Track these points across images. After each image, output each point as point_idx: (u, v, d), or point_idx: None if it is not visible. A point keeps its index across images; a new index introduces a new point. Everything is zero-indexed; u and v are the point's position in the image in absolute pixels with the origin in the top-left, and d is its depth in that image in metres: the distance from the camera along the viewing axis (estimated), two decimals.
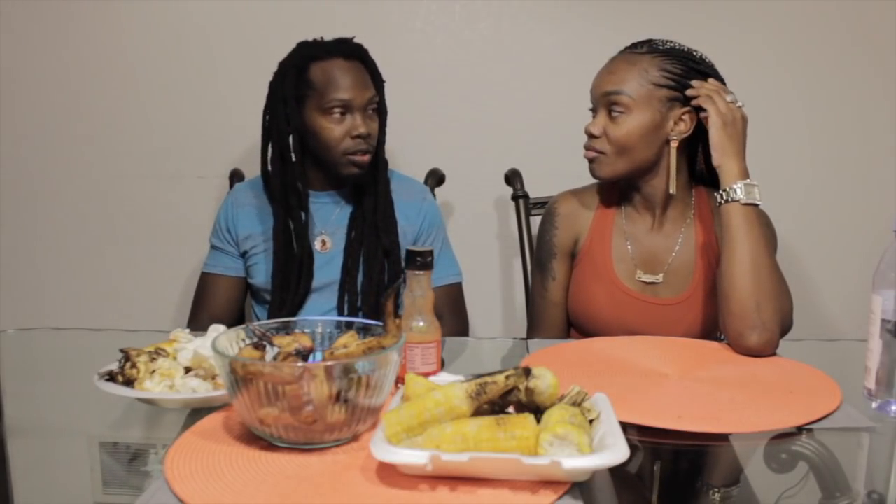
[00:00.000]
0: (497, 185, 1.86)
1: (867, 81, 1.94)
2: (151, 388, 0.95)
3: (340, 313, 1.55)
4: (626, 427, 0.84)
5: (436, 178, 1.86)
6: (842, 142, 1.97)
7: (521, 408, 0.84)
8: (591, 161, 1.36)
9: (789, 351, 1.22)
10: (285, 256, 1.54)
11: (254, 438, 0.86)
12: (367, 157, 1.53)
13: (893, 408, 0.98)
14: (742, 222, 1.23)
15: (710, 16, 1.92)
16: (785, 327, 1.25)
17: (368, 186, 1.58)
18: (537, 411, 0.82)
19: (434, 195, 1.80)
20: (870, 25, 1.92)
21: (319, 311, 1.56)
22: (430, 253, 1.03)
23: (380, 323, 0.93)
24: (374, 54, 1.60)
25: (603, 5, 1.94)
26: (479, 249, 2.00)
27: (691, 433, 0.92)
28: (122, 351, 0.99)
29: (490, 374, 0.81)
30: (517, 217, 1.81)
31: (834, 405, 0.99)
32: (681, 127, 1.32)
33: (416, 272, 1.03)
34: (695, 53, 1.34)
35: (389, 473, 0.77)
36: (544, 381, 0.82)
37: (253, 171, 1.80)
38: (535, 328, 1.49)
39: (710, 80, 1.31)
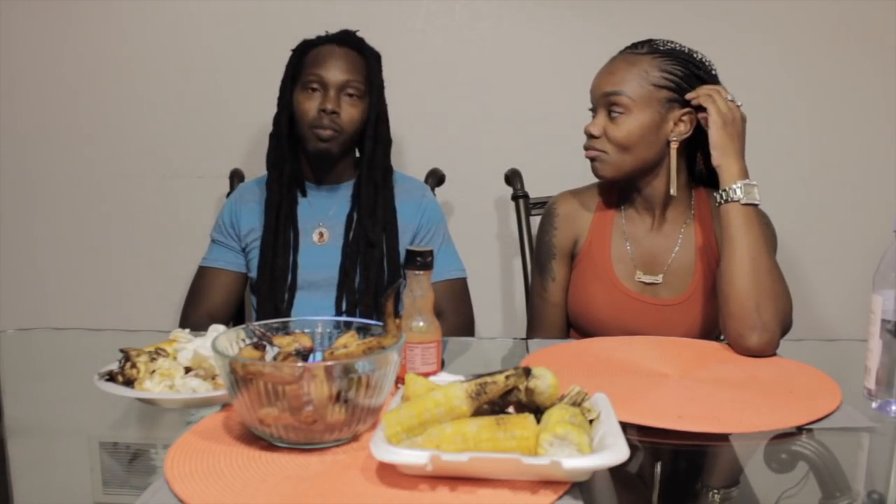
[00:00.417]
0: (497, 185, 1.86)
1: (867, 81, 1.94)
2: (151, 388, 0.95)
3: (338, 311, 1.55)
4: (626, 427, 0.84)
5: (436, 178, 1.87)
6: (842, 142, 1.97)
7: (521, 408, 0.84)
8: (592, 160, 1.36)
9: (789, 351, 1.22)
10: (275, 231, 1.56)
11: (254, 438, 0.86)
12: (328, 132, 1.53)
13: (893, 408, 0.98)
14: (742, 222, 1.23)
15: (710, 16, 1.92)
16: (785, 327, 1.25)
17: (367, 186, 1.58)
18: (537, 411, 0.82)
19: (434, 195, 1.80)
20: (870, 25, 1.92)
21: (316, 308, 1.56)
22: (430, 253, 1.03)
23: (380, 323, 0.93)
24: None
25: (603, 5, 1.94)
26: (479, 249, 2.00)
27: (691, 433, 0.92)
28: (122, 351, 0.99)
29: (490, 374, 0.81)
30: (517, 217, 1.81)
31: (834, 405, 0.99)
32: (681, 128, 1.32)
33: (416, 272, 1.03)
34: (695, 54, 1.34)
35: (389, 473, 0.77)
36: (544, 381, 0.82)
37: (253, 170, 1.80)
38: (534, 328, 1.49)
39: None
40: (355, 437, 0.86)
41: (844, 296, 1.99)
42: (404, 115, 1.88)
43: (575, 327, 1.47)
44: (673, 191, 1.34)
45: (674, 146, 1.33)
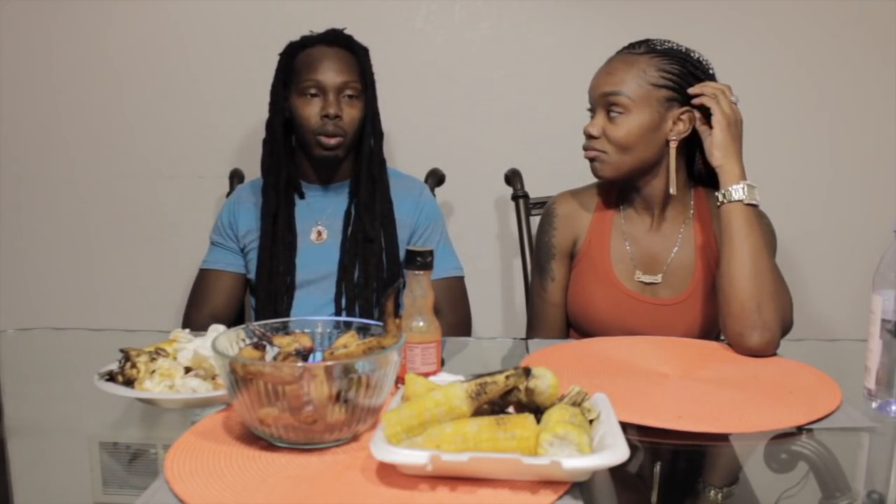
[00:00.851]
0: (497, 185, 1.86)
1: (867, 81, 1.94)
2: (151, 388, 0.95)
3: (337, 306, 1.56)
4: (626, 427, 0.84)
5: (436, 178, 1.87)
6: (842, 142, 1.97)
7: (521, 408, 0.84)
8: (592, 160, 1.36)
9: (789, 351, 1.22)
10: (273, 237, 1.56)
11: (254, 438, 0.86)
12: (334, 140, 1.54)
13: (893, 408, 0.98)
14: (743, 223, 1.23)
15: (710, 16, 1.92)
16: (785, 328, 1.25)
17: (364, 184, 1.58)
18: (537, 411, 0.82)
19: (434, 195, 1.80)
20: (870, 25, 1.92)
21: (315, 305, 1.57)
22: (430, 253, 1.03)
23: (379, 323, 0.93)
24: (374, 54, 1.61)
25: (603, 5, 1.94)
26: (479, 249, 2.00)
27: (691, 433, 0.92)
28: (122, 351, 0.99)
29: (490, 374, 0.81)
30: (517, 217, 1.81)
31: (834, 405, 0.99)
32: (679, 127, 1.32)
33: (416, 272, 1.03)
34: (692, 54, 1.34)
35: (389, 473, 0.77)
36: (544, 381, 0.82)
37: (253, 171, 1.80)
38: (534, 328, 1.49)
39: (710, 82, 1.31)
40: (355, 437, 0.86)
41: (844, 296, 1.99)
42: (404, 116, 1.88)
43: (574, 327, 1.47)
44: (672, 190, 1.34)
45: (673, 145, 1.33)
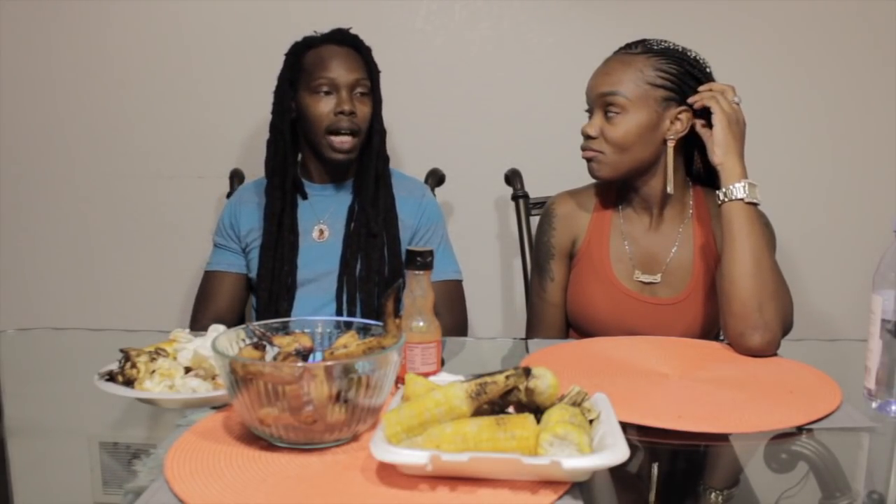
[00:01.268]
0: (497, 185, 1.86)
1: (867, 81, 1.94)
2: (151, 388, 0.95)
3: (339, 303, 1.56)
4: (626, 427, 0.84)
5: (436, 178, 1.87)
6: (842, 142, 1.97)
7: (521, 408, 0.84)
8: (589, 161, 1.36)
9: (789, 351, 1.22)
10: (276, 239, 1.56)
11: (254, 438, 0.86)
12: (348, 140, 1.54)
13: (893, 408, 0.98)
14: (744, 222, 1.23)
15: (710, 16, 1.92)
16: (786, 328, 1.25)
17: (367, 179, 1.59)
18: (537, 411, 0.82)
19: (434, 195, 1.80)
20: (870, 25, 1.92)
21: (317, 303, 1.57)
22: (431, 253, 1.04)
23: (380, 323, 0.93)
24: (375, 54, 1.61)
25: (603, 5, 1.94)
26: (479, 249, 2.00)
27: (691, 433, 0.92)
28: (122, 351, 0.99)
29: (490, 374, 0.81)
30: (517, 217, 1.81)
31: (834, 405, 0.99)
32: (677, 126, 1.32)
33: (416, 272, 1.03)
34: (689, 53, 1.34)
35: (389, 473, 0.77)
36: (544, 381, 0.82)
37: (253, 170, 1.80)
38: (533, 329, 1.49)
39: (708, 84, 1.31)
40: (355, 437, 0.86)
41: (844, 296, 1.99)
42: (405, 116, 1.88)
43: (574, 327, 1.47)
44: (670, 189, 1.34)
45: (671, 144, 1.33)
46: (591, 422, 0.83)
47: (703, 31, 1.87)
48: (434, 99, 1.97)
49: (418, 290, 1.03)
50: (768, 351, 1.20)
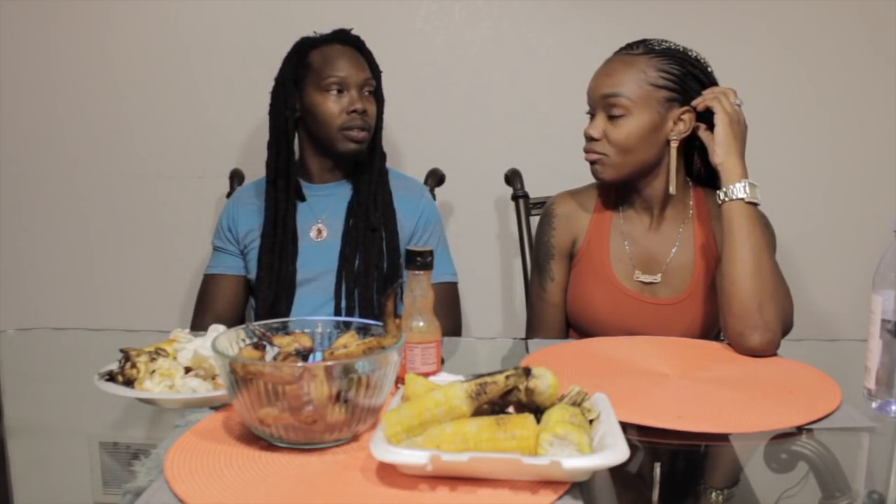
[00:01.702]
0: (497, 185, 1.86)
1: (867, 81, 1.94)
2: (151, 388, 0.95)
3: (337, 297, 1.56)
4: (626, 427, 0.84)
5: (436, 178, 1.87)
6: (842, 142, 1.97)
7: (521, 408, 0.84)
8: (593, 163, 1.35)
9: (789, 351, 1.22)
10: (275, 240, 1.56)
11: (254, 438, 0.86)
12: (363, 134, 1.56)
13: (893, 408, 0.98)
14: (745, 222, 1.23)
15: (710, 16, 1.92)
16: (786, 328, 1.25)
17: (366, 175, 1.59)
18: (537, 411, 0.82)
19: (434, 195, 1.80)
20: (870, 25, 1.92)
21: (316, 302, 1.57)
22: (430, 253, 1.03)
23: (379, 323, 0.93)
24: (375, 54, 1.62)
25: (603, 5, 1.94)
26: (479, 249, 2.00)
27: (691, 433, 0.92)
28: (122, 351, 0.99)
29: (490, 374, 0.81)
30: (517, 217, 1.81)
31: (834, 405, 0.99)
32: (680, 127, 1.32)
33: (416, 272, 1.03)
34: (690, 53, 1.34)
35: (389, 473, 0.77)
36: (544, 381, 0.82)
37: (253, 171, 1.80)
38: (533, 329, 1.49)
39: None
40: (355, 437, 0.86)
41: (844, 296, 1.99)
42: (404, 116, 1.88)
43: (574, 327, 1.47)
44: (672, 190, 1.34)
45: (674, 145, 1.33)
46: (591, 422, 0.83)
47: (704, 32, 1.87)
48: (434, 99, 1.97)
49: (418, 289, 1.03)
50: (768, 351, 1.20)
